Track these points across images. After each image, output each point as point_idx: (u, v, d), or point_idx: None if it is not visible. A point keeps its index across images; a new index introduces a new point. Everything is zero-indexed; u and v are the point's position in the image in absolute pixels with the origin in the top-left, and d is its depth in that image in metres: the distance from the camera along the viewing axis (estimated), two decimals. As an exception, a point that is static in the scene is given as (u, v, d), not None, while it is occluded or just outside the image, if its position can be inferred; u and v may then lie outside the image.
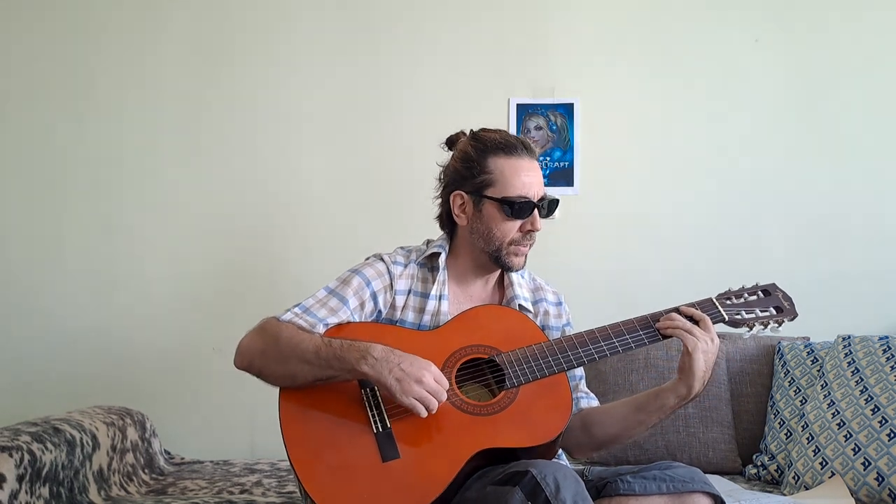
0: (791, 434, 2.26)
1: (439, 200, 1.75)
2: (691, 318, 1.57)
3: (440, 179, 1.75)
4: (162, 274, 2.73)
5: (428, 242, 1.79)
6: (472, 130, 1.73)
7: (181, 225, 2.74)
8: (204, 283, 2.74)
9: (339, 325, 1.61)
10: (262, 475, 2.26)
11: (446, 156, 1.75)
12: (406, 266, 1.72)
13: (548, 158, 2.72)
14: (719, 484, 2.12)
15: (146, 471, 2.25)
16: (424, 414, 1.46)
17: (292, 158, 2.75)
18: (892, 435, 2.00)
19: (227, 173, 2.75)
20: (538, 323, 1.75)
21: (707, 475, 1.53)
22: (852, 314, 2.63)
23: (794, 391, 2.34)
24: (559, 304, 1.82)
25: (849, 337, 2.32)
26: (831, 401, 2.17)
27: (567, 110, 2.73)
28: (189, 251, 2.73)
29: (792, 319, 1.64)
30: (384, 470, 1.46)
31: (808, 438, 2.15)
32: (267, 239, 2.76)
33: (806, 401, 2.28)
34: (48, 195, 2.75)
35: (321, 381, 1.54)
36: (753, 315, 1.62)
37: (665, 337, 1.57)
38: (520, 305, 1.73)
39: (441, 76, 2.74)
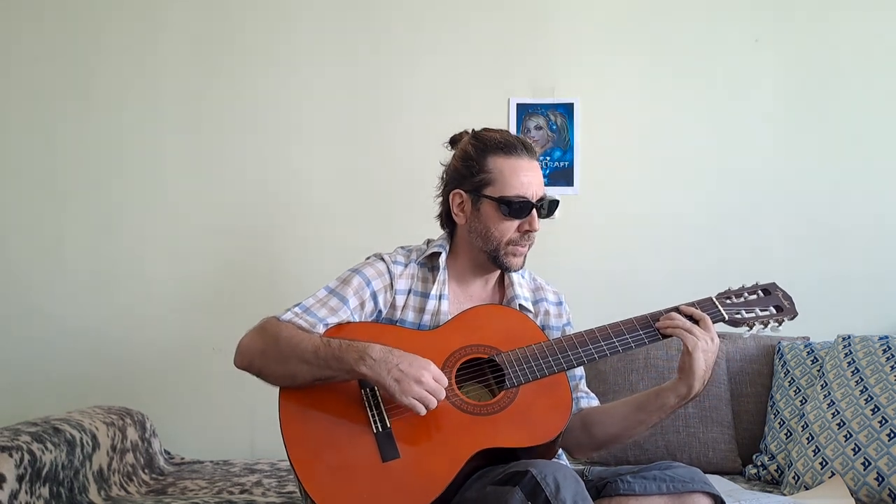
0: (791, 434, 2.26)
1: (440, 199, 1.75)
2: (691, 318, 1.56)
3: (442, 178, 1.75)
4: (162, 274, 2.73)
5: (428, 242, 1.79)
6: (473, 130, 1.73)
7: (181, 225, 2.74)
8: (204, 283, 2.74)
9: (339, 325, 1.61)
10: (262, 475, 2.26)
11: (448, 155, 1.76)
12: (406, 266, 1.72)
13: (548, 158, 2.72)
14: (719, 484, 2.12)
15: (146, 471, 2.25)
16: (424, 413, 1.46)
17: (292, 158, 2.75)
18: (892, 435, 2.00)
19: (227, 173, 2.75)
20: (538, 323, 1.75)
21: (707, 475, 1.53)
22: (852, 314, 2.63)
23: (794, 391, 2.34)
24: (560, 303, 1.82)
25: (849, 337, 2.32)
26: (831, 401, 2.17)
27: (567, 110, 2.73)
28: (189, 251, 2.73)
29: (792, 318, 1.64)
30: (384, 470, 1.46)
31: (808, 438, 2.15)
32: (267, 239, 2.76)
33: (806, 401, 2.28)
34: (48, 195, 2.75)
35: (320, 382, 1.54)
36: (753, 314, 1.62)
37: (665, 336, 1.57)
38: (520, 305, 1.72)
39: (441, 76, 2.74)
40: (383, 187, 2.73)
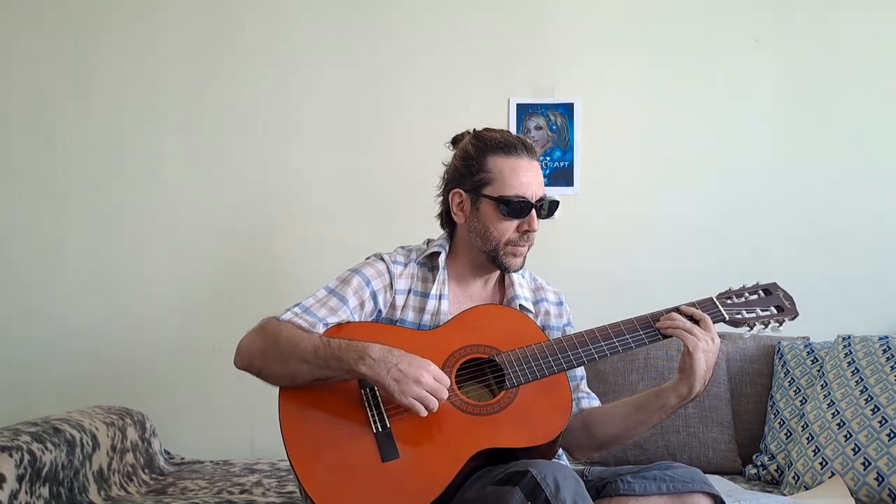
0: (791, 434, 2.26)
1: (440, 199, 1.75)
2: (692, 318, 1.56)
3: (443, 178, 1.75)
4: (162, 274, 2.73)
5: (428, 242, 1.79)
6: (475, 129, 1.73)
7: (181, 225, 2.74)
8: (204, 283, 2.74)
9: (339, 325, 1.61)
10: (262, 475, 2.26)
11: (449, 155, 1.76)
12: (406, 265, 1.72)
13: (548, 158, 2.72)
14: (719, 484, 2.12)
15: (146, 471, 2.25)
16: (424, 413, 1.46)
17: (292, 158, 2.75)
18: (892, 435, 2.00)
19: (227, 173, 2.75)
20: (539, 323, 1.75)
21: (707, 475, 1.53)
22: (852, 314, 2.63)
23: (794, 391, 2.34)
24: (560, 303, 1.82)
25: (849, 337, 2.32)
26: (831, 401, 2.17)
27: (567, 110, 2.73)
28: (189, 251, 2.74)
29: (793, 319, 1.64)
30: (384, 470, 1.46)
31: (808, 438, 2.15)
32: (267, 239, 2.76)
33: (806, 401, 2.28)
34: (48, 195, 2.75)
35: (320, 382, 1.54)
36: (754, 314, 1.62)
37: (665, 336, 1.57)
38: (520, 305, 1.72)
39: (441, 76, 2.74)
40: (383, 187, 2.73)
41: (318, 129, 2.75)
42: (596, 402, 1.76)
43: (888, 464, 1.96)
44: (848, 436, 2.06)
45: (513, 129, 2.68)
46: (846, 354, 2.26)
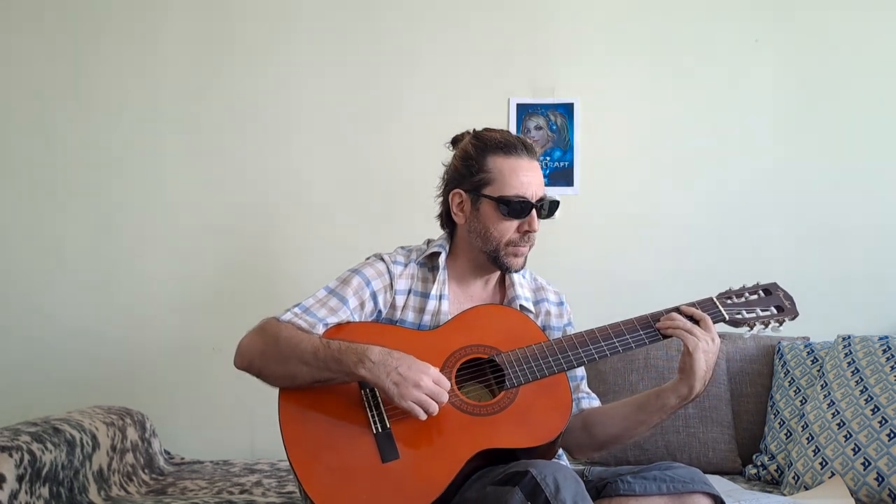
0: (791, 434, 2.26)
1: (440, 199, 1.75)
2: (692, 318, 1.56)
3: (443, 178, 1.75)
4: (162, 274, 2.73)
5: (428, 242, 1.79)
6: (474, 129, 1.73)
7: (181, 225, 2.74)
8: (204, 283, 2.74)
9: (339, 325, 1.61)
10: (262, 475, 2.26)
11: (449, 155, 1.75)
12: (406, 266, 1.72)
13: (548, 158, 2.72)
14: (719, 484, 2.12)
15: (146, 471, 2.25)
16: (423, 417, 1.46)
17: (293, 158, 2.75)
18: (892, 435, 2.00)
19: (227, 173, 2.75)
20: (540, 323, 1.75)
21: (707, 475, 1.53)
22: (852, 314, 2.63)
23: (794, 391, 2.34)
24: (561, 303, 1.82)
25: (849, 337, 2.32)
26: (831, 401, 2.17)
27: (567, 110, 2.72)
28: (189, 251, 2.74)
29: (793, 319, 1.64)
30: (384, 471, 1.46)
31: (808, 438, 2.14)
32: (267, 239, 2.76)
33: (806, 401, 2.28)
34: (48, 195, 2.75)
35: (320, 384, 1.53)
36: (754, 314, 1.62)
37: (665, 337, 1.57)
38: (521, 306, 1.72)
39: (441, 76, 2.74)
40: (383, 187, 2.73)
41: (318, 129, 2.75)
42: (596, 403, 1.76)
43: (888, 464, 1.96)
44: (848, 436, 2.06)
45: (513, 129, 2.68)
46: (846, 354, 2.26)
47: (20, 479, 1.67)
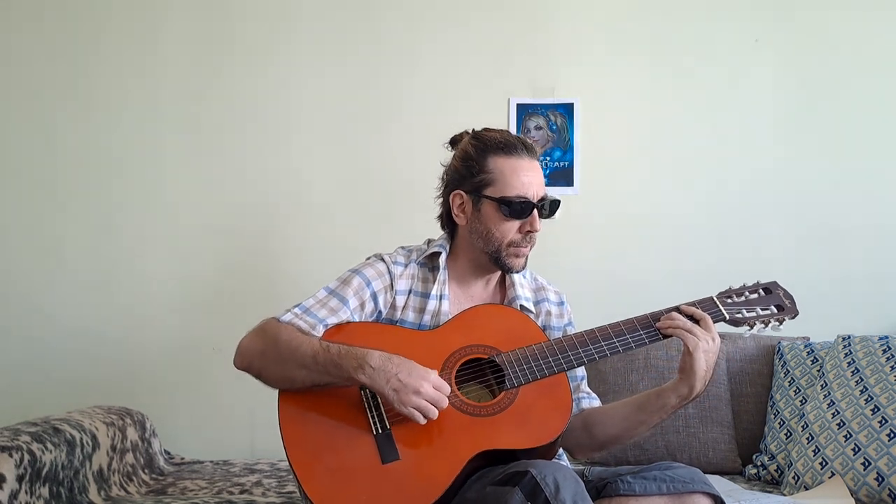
0: (791, 434, 2.26)
1: (440, 200, 1.75)
2: (692, 318, 1.56)
3: (442, 179, 1.75)
4: (162, 274, 2.73)
5: (429, 242, 1.79)
6: (474, 130, 1.73)
7: (181, 225, 2.74)
8: (204, 283, 2.74)
9: (339, 325, 1.61)
10: (262, 475, 2.26)
11: (448, 156, 1.75)
12: (406, 266, 1.72)
13: (548, 158, 2.72)
14: (719, 484, 2.12)
15: (146, 471, 2.25)
16: (423, 422, 1.46)
17: (293, 158, 2.75)
18: (892, 435, 2.00)
19: (227, 173, 2.75)
20: (540, 323, 1.75)
21: (707, 475, 1.53)
22: (852, 314, 2.63)
23: (794, 391, 2.34)
24: (561, 303, 1.82)
25: (849, 337, 2.32)
26: (831, 401, 2.17)
27: (567, 110, 2.72)
28: (189, 251, 2.73)
29: (793, 318, 1.64)
30: (384, 472, 1.46)
31: (808, 438, 2.14)
32: (267, 239, 2.76)
33: (806, 401, 2.28)
34: (48, 195, 2.75)
35: (319, 387, 1.53)
36: (754, 313, 1.62)
37: (666, 336, 1.57)
38: (521, 306, 1.72)
39: (441, 76, 2.74)
40: (383, 187, 2.73)
41: (318, 129, 2.75)
42: (596, 402, 1.76)
43: (888, 464, 1.96)
44: (848, 436, 2.06)
45: (513, 129, 2.68)
46: (846, 354, 2.26)
47: (20, 479, 1.67)
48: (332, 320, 1.60)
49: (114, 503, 1.98)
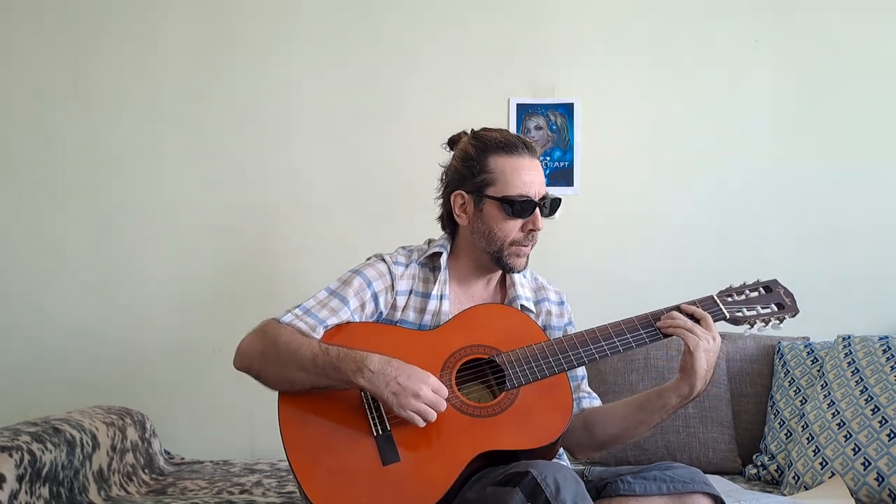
0: (791, 434, 2.26)
1: (440, 201, 1.75)
2: (692, 317, 1.56)
3: (441, 180, 1.75)
4: (162, 274, 2.73)
5: (429, 242, 1.79)
6: (472, 130, 1.73)
7: (181, 225, 2.74)
8: (204, 283, 2.74)
9: (339, 326, 1.61)
10: (262, 475, 2.26)
11: (448, 156, 1.75)
12: (407, 266, 1.71)
13: (548, 158, 2.72)
14: (719, 484, 2.12)
15: (146, 471, 2.25)
16: (422, 425, 1.46)
17: (293, 158, 2.75)
18: (892, 435, 2.00)
19: (227, 173, 2.75)
20: (540, 323, 1.75)
21: (707, 475, 1.53)
22: (852, 314, 2.63)
23: (794, 391, 2.34)
24: (561, 303, 1.82)
25: (849, 337, 2.32)
26: (831, 401, 2.17)
27: (567, 110, 2.72)
28: (189, 251, 2.73)
29: (793, 316, 1.64)
30: (384, 473, 1.46)
31: (808, 438, 2.14)
32: (267, 239, 2.75)
33: (806, 401, 2.28)
34: (48, 195, 2.75)
35: (318, 390, 1.53)
36: (755, 312, 1.62)
37: (666, 336, 1.57)
38: (522, 306, 1.72)
39: (441, 76, 2.74)
40: (383, 187, 2.73)
41: (317, 129, 2.75)
42: (597, 402, 1.76)
43: (888, 464, 1.96)
44: (848, 436, 2.06)
45: (513, 129, 2.68)
46: (846, 354, 2.26)
47: (20, 479, 1.67)
48: (333, 321, 1.60)
49: (114, 503, 1.98)
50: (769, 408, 2.40)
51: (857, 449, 2.03)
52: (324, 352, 1.50)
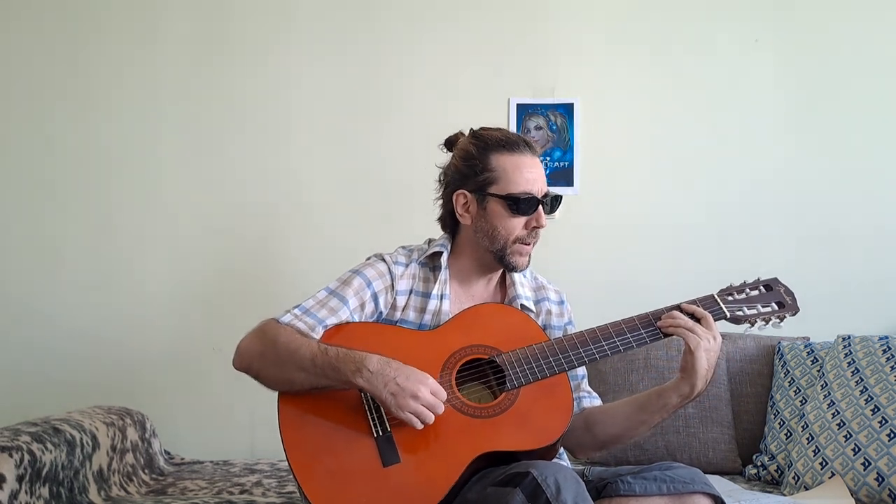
0: (791, 434, 2.26)
1: (440, 202, 1.75)
2: (693, 316, 1.56)
3: (440, 181, 1.74)
4: (161, 274, 2.73)
5: (429, 242, 1.79)
6: (471, 129, 1.73)
7: (181, 225, 2.74)
8: (203, 283, 2.74)
9: (338, 326, 1.61)
10: (262, 475, 2.26)
11: (446, 157, 1.75)
12: (408, 266, 1.71)
13: (548, 158, 2.72)
14: (719, 484, 2.12)
15: (146, 471, 2.24)
16: (420, 427, 1.46)
17: (292, 158, 2.75)
18: (892, 435, 2.00)
19: (226, 173, 2.75)
20: (540, 322, 1.74)
21: (707, 475, 1.53)
22: (852, 314, 2.63)
23: (794, 391, 2.34)
24: (561, 302, 1.82)
25: (849, 337, 2.32)
26: (831, 401, 2.17)
27: (567, 110, 2.72)
28: (189, 251, 2.73)
29: (794, 314, 1.64)
30: (384, 475, 1.46)
31: (808, 438, 2.14)
32: (266, 239, 2.75)
33: (806, 401, 2.28)
34: (47, 195, 2.75)
35: (317, 390, 1.53)
36: (755, 311, 1.62)
37: (666, 335, 1.57)
38: (522, 305, 1.72)
39: (441, 76, 2.74)
40: (383, 187, 2.73)
41: (317, 129, 2.75)
42: (597, 402, 1.76)
43: (888, 464, 1.96)
44: (848, 436, 2.06)
45: (513, 129, 2.68)
46: (846, 354, 2.26)
47: (20, 479, 1.67)
48: (332, 321, 1.60)
49: (114, 503, 1.97)
50: (769, 408, 2.40)
51: (857, 449, 2.03)
52: (323, 352, 1.50)
